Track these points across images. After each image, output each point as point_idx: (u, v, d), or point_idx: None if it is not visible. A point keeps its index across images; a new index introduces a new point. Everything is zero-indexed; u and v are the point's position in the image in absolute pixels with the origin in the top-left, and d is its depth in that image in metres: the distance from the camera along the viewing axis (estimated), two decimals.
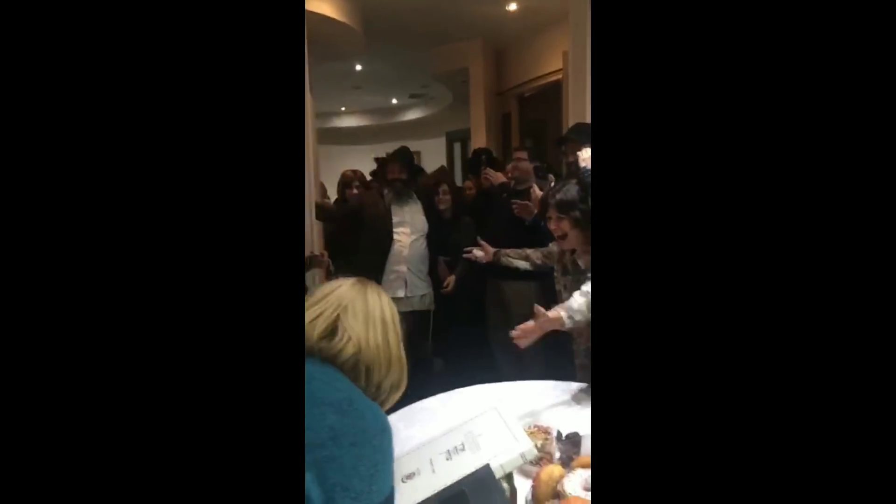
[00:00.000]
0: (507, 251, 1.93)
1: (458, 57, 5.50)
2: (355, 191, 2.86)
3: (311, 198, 2.35)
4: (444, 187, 2.69)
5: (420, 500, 0.91)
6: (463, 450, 1.04)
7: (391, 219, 2.54)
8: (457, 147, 8.34)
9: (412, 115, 9.17)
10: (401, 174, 2.59)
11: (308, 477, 0.59)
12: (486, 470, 0.90)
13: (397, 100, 8.86)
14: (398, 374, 0.84)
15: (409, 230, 2.55)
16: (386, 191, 2.63)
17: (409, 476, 1.01)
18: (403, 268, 2.52)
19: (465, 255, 2.00)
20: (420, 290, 2.56)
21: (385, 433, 0.71)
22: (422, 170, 2.99)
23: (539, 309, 1.36)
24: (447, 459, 1.03)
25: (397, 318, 0.88)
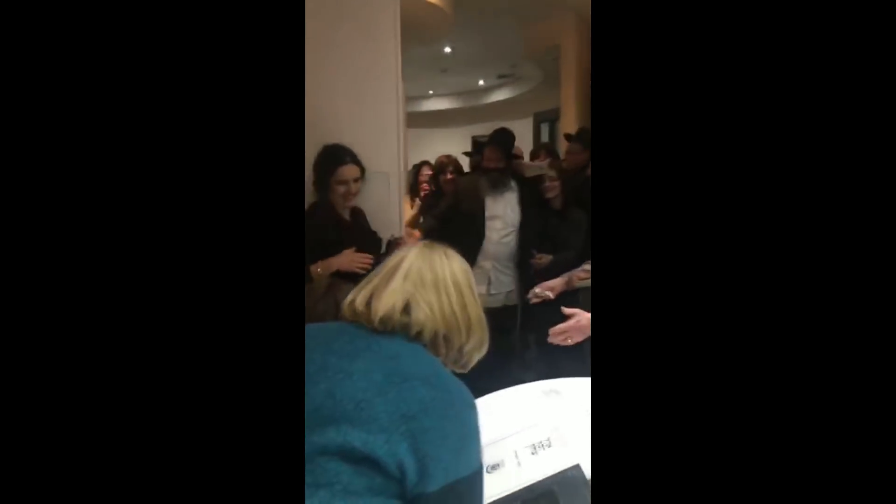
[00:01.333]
0: (577, 273, 1.79)
1: (550, 34, 5.28)
2: (449, 176, 2.70)
3: (400, 183, 2.31)
4: (553, 173, 2.33)
5: (507, 492, 0.89)
6: (549, 446, 1.00)
7: (484, 213, 2.28)
8: (544, 128, 8.10)
9: (500, 95, 9.02)
10: (499, 162, 2.28)
11: (402, 447, 0.60)
12: (577, 470, 0.85)
13: (485, 81, 8.75)
14: (479, 335, 0.82)
15: (500, 225, 2.30)
16: (482, 179, 2.35)
17: (495, 467, 1.00)
18: (488, 264, 2.30)
19: (531, 301, 1.80)
20: (506, 287, 2.33)
21: (471, 409, 0.69)
22: (519, 156, 2.69)
23: (569, 310, 1.29)
24: (532, 454, 1.00)
25: (470, 276, 0.85)
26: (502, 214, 2.30)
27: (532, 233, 2.32)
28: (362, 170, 1.84)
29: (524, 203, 2.33)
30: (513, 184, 2.34)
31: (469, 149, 2.69)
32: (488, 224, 2.29)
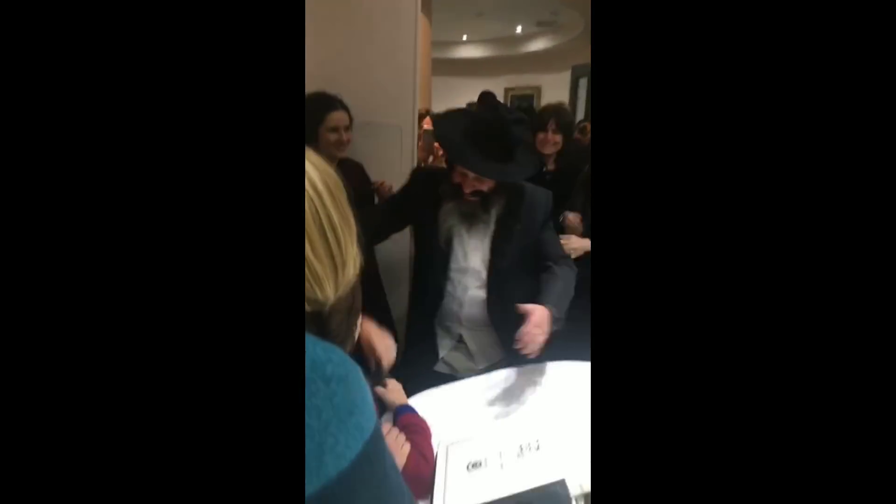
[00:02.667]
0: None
1: None
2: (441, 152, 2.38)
3: (414, 138, 2.12)
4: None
5: (484, 500, 0.81)
6: (537, 449, 0.91)
7: (449, 259, 1.38)
8: (582, 82, 7.68)
9: (537, 45, 8.52)
10: (481, 184, 1.27)
11: None
12: (562, 486, 0.76)
13: (522, 28, 8.25)
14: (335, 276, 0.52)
15: (473, 281, 1.40)
16: (445, 207, 1.33)
17: (476, 465, 0.92)
18: (466, 332, 1.45)
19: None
20: (495, 355, 1.45)
21: (332, 382, 0.45)
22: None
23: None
24: (518, 456, 0.91)
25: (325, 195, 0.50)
26: (478, 267, 1.39)
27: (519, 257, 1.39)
28: (351, 118, 1.70)
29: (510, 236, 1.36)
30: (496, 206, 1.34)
31: (493, 101, 1.39)
32: (454, 278, 1.40)
